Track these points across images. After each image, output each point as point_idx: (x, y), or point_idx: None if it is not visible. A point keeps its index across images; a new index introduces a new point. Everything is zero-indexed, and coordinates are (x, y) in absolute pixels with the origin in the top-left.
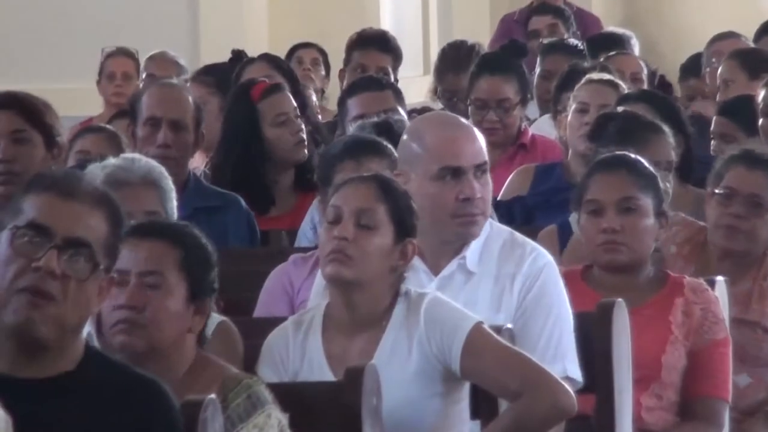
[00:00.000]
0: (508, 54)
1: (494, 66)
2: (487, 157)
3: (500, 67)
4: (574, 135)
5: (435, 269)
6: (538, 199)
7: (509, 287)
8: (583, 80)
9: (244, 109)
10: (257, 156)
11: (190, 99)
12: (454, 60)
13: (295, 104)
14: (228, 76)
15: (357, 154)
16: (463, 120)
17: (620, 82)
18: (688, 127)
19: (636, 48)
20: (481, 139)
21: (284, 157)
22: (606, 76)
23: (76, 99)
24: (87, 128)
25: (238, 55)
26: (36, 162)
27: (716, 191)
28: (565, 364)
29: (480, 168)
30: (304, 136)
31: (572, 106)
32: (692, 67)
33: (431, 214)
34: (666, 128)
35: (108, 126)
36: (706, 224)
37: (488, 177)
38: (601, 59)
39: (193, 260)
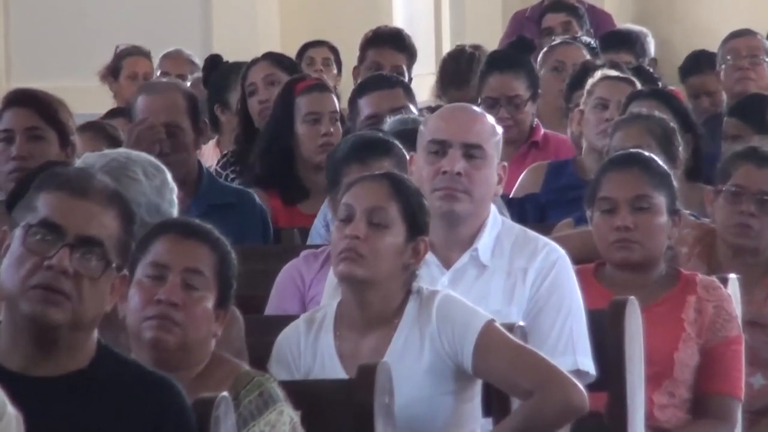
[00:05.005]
0: (516, 50)
1: (503, 63)
2: (483, 142)
3: (509, 64)
4: (591, 131)
5: (446, 262)
6: (550, 197)
7: (521, 281)
8: (598, 77)
9: (285, 102)
10: (287, 148)
11: (180, 96)
12: (455, 73)
13: (336, 108)
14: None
15: (362, 156)
16: (478, 109)
17: (635, 79)
18: (697, 126)
19: (651, 45)
20: (485, 125)
21: (307, 156)
22: (622, 74)
23: (89, 97)
24: (81, 126)
25: (212, 61)
26: (50, 159)
27: (725, 189)
28: (576, 357)
29: (469, 147)
30: (334, 140)
31: (588, 103)
32: (689, 66)
33: (422, 189)
34: None
35: (105, 122)
36: (710, 221)
37: (482, 162)
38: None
39: (226, 268)
